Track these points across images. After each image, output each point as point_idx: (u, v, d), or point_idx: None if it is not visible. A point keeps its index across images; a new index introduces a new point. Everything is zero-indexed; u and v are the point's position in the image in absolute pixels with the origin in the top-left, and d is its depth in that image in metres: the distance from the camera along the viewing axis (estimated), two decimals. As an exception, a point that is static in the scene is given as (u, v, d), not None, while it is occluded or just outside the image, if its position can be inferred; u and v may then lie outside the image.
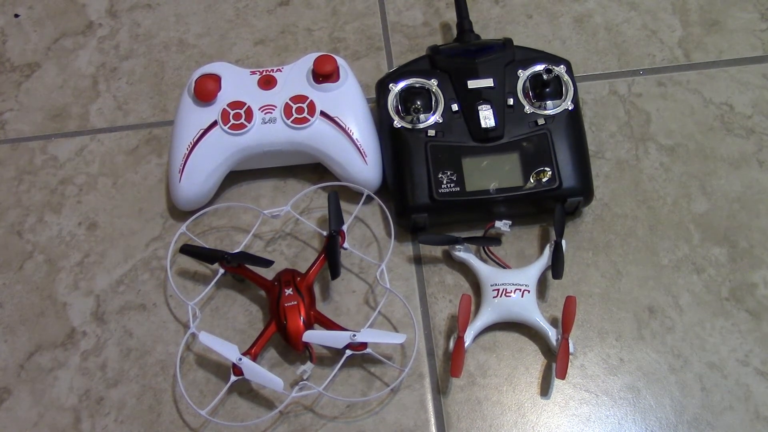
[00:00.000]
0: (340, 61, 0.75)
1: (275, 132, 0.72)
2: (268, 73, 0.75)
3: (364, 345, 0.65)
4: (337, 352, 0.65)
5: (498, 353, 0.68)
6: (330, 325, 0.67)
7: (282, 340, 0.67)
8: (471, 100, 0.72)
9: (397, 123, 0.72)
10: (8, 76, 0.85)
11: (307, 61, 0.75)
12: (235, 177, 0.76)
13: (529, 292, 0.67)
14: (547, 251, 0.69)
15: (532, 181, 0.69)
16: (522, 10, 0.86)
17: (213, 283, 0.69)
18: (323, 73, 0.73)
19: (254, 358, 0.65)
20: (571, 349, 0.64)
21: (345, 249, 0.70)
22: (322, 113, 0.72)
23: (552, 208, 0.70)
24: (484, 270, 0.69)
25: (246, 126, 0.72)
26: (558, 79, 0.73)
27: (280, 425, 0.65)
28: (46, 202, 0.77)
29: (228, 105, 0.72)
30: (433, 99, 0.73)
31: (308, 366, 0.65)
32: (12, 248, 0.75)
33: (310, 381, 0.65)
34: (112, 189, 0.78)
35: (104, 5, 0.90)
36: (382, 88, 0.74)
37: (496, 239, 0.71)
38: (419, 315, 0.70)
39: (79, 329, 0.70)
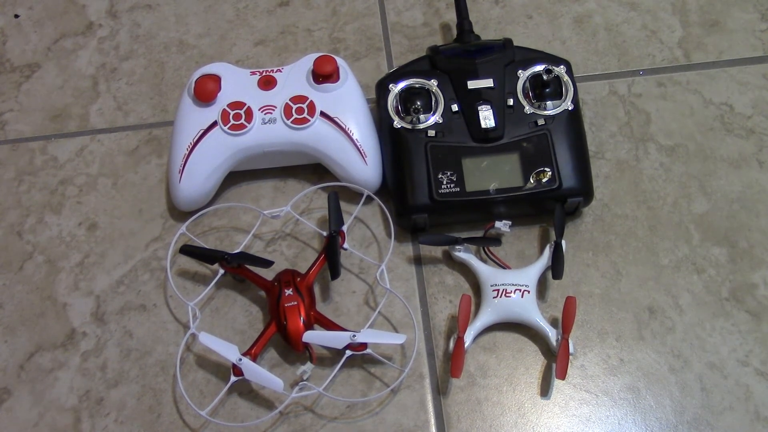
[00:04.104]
0: (340, 61, 0.75)
1: (275, 132, 0.72)
2: (268, 73, 0.75)
3: (364, 345, 0.65)
4: (337, 353, 0.65)
5: (498, 354, 0.68)
6: (330, 325, 0.67)
7: (282, 341, 0.67)
8: (471, 101, 0.72)
9: (397, 123, 0.72)
10: (8, 77, 0.86)
11: (307, 62, 0.75)
12: (235, 177, 0.76)
13: (529, 292, 0.67)
14: (547, 251, 0.69)
15: (532, 181, 0.69)
16: (522, 11, 0.86)
17: (213, 283, 0.69)
18: (323, 74, 0.73)
19: (254, 359, 0.65)
20: (571, 350, 0.64)
21: (345, 249, 0.70)
22: (322, 113, 0.72)
23: (552, 208, 0.70)
24: (484, 270, 0.69)
25: (246, 126, 0.72)
26: (558, 79, 0.73)
27: (280, 426, 0.65)
28: (46, 202, 0.77)
29: (228, 105, 0.72)
30: (433, 99, 0.73)
31: (308, 366, 0.65)
32: (12, 249, 0.75)
33: (310, 381, 0.65)
34: (112, 189, 0.78)
35: (104, 6, 0.90)
36: (382, 88, 0.74)
37: (496, 239, 0.71)
38: (419, 315, 0.70)
39: (79, 330, 0.70)
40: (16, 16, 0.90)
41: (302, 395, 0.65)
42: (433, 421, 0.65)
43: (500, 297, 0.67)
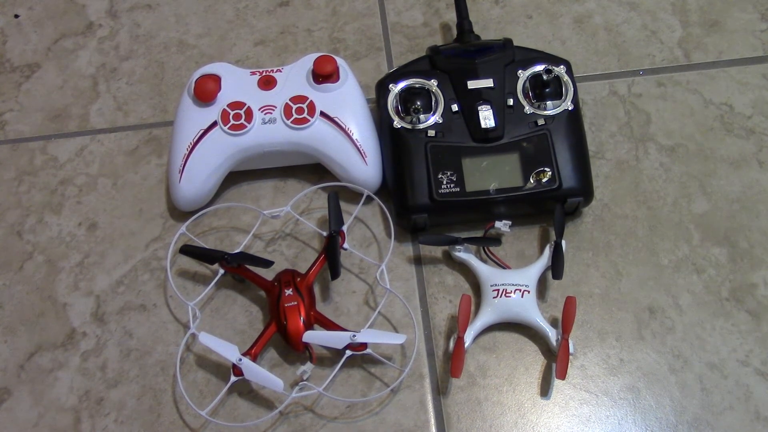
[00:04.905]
0: (340, 61, 0.75)
1: (275, 132, 0.72)
2: (268, 73, 0.75)
3: (364, 345, 0.65)
4: (337, 353, 0.65)
5: (498, 353, 0.68)
6: (330, 325, 0.67)
7: (282, 341, 0.67)
8: (471, 101, 0.72)
9: (397, 123, 0.72)
10: (8, 77, 0.86)
11: (307, 62, 0.75)
12: (235, 177, 0.76)
13: (529, 292, 0.67)
14: (547, 251, 0.69)
15: (532, 181, 0.69)
16: (522, 11, 0.86)
17: (213, 283, 0.69)
18: (323, 74, 0.73)
19: (254, 359, 0.65)
20: (571, 350, 0.64)
21: (345, 249, 0.70)
22: (322, 113, 0.72)
23: (552, 208, 0.70)
24: (484, 270, 0.69)
25: (246, 126, 0.72)
26: (558, 79, 0.73)
27: (280, 426, 0.65)
28: (46, 202, 0.77)
29: (228, 105, 0.72)
30: (433, 99, 0.73)
31: (308, 366, 0.65)
32: (12, 249, 0.75)
33: (310, 381, 0.65)
34: (112, 189, 0.78)
35: (104, 5, 0.90)
36: (382, 88, 0.74)
37: (496, 239, 0.71)
38: (419, 315, 0.70)
39: (79, 330, 0.70)
40: (16, 16, 0.90)
41: (302, 395, 0.65)
42: (433, 421, 0.65)
43: (500, 297, 0.67)
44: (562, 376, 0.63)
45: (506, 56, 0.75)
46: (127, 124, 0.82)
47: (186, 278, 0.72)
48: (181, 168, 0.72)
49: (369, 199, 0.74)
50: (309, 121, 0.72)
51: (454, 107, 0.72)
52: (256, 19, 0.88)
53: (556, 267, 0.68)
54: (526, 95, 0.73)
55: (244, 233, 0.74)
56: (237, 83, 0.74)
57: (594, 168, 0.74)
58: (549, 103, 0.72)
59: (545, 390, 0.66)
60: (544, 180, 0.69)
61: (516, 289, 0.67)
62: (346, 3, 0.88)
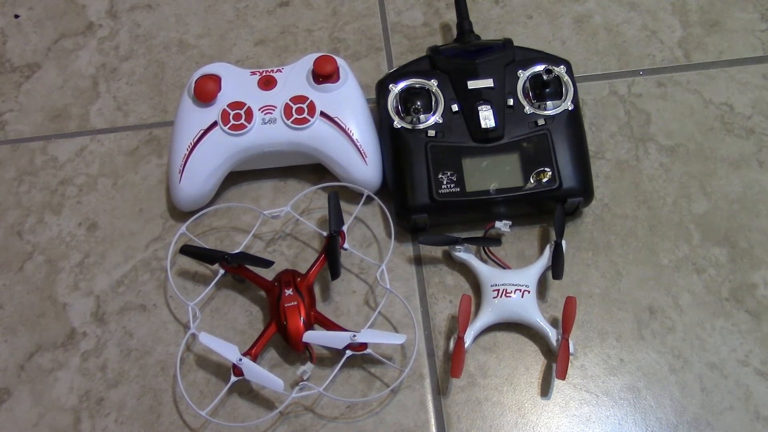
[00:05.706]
0: (340, 61, 0.75)
1: (275, 132, 0.72)
2: (268, 73, 0.75)
3: (364, 345, 0.65)
4: (337, 353, 0.65)
5: (498, 354, 0.68)
6: (330, 325, 0.67)
7: (282, 341, 0.67)
8: (471, 101, 0.72)
9: (397, 123, 0.72)
10: (8, 77, 0.85)
11: (307, 62, 0.75)
12: (235, 177, 0.76)
13: (529, 292, 0.67)
14: (547, 251, 0.69)
15: (532, 181, 0.69)
16: (522, 11, 0.86)
17: (213, 283, 0.69)
18: (323, 74, 0.73)
19: (254, 359, 0.65)
20: (571, 350, 0.64)
21: (345, 249, 0.70)
22: (322, 114, 0.72)
23: (552, 208, 0.70)
24: (485, 270, 0.69)
25: (246, 126, 0.72)
26: (558, 79, 0.73)
27: (281, 426, 0.65)
28: (46, 202, 0.77)
29: (228, 105, 0.72)
30: (433, 99, 0.73)
31: (308, 366, 0.65)
32: (12, 249, 0.75)
33: (310, 381, 0.65)
34: (112, 189, 0.78)
35: (104, 6, 0.90)
36: (382, 88, 0.74)
37: (496, 240, 0.71)
38: (419, 315, 0.70)
39: (79, 330, 0.70)
40: (16, 16, 0.90)
41: (302, 395, 0.65)
42: (433, 421, 0.65)
43: (500, 297, 0.67)
44: (563, 376, 0.63)
45: (506, 56, 0.75)
46: (127, 124, 0.82)
47: (186, 278, 0.72)
48: (181, 168, 0.72)
49: (369, 199, 0.74)
50: (309, 121, 0.72)
51: (454, 107, 0.72)
52: (256, 19, 0.88)
53: (556, 267, 0.68)
54: (526, 95, 0.73)
55: (244, 233, 0.74)
56: (237, 83, 0.74)
57: (594, 168, 0.74)
58: (549, 103, 0.72)
59: (545, 390, 0.66)
60: (544, 180, 0.69)
61: (516, 289, 0.67)
62: (346, 3, 0.88)
